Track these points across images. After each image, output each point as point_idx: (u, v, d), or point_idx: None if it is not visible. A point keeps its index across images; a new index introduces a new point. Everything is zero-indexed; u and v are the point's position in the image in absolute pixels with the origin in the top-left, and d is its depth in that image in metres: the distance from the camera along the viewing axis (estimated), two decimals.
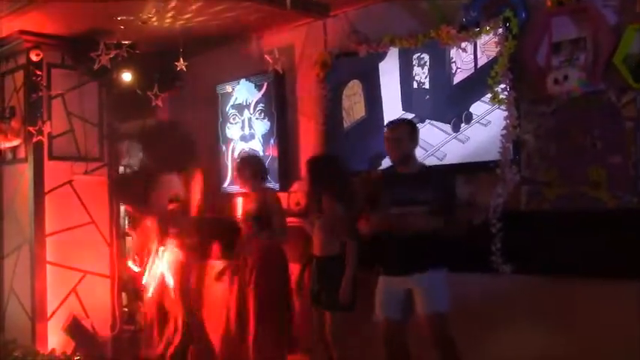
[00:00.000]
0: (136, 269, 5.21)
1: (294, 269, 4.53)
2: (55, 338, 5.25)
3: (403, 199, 3.48)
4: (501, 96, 3.65)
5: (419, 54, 4.14)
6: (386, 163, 4.12)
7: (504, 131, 3.63)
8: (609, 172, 3.30)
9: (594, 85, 3.35)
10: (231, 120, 5.43)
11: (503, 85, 3.64)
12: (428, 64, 4.12)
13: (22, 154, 5.47)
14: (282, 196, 4.96)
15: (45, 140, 5.29)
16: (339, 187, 4.04)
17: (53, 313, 5.31)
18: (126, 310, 6.19)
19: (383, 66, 4.36)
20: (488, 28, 3.72)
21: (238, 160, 4.92)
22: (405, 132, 3.60)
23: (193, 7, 4.37)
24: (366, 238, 3.69)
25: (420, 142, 3.75)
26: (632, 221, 3.22)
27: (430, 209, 3.43)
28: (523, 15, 3.61)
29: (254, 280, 4.43)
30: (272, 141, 5.08)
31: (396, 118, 4.03)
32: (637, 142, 3.21)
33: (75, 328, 5.34)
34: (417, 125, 3.78)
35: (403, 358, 3.60)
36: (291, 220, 4.60)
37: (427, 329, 3.44)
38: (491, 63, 3.71)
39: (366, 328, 3.84)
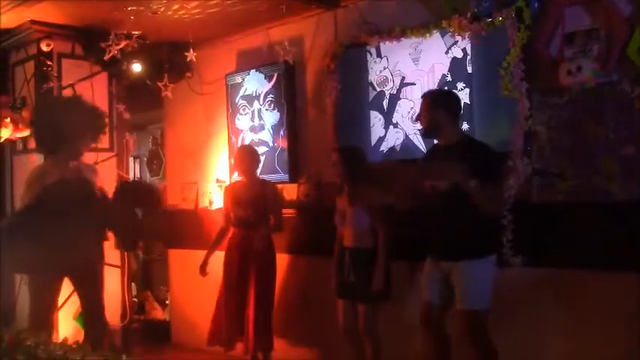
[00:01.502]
0: None
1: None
2: (65, 328, 5.28)
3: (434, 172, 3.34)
4: (513, 87, 3.63)
5: None
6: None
7: (517, 123, 3.61)
8: (622, 163, 3.27)
9: (608, 75, 3.32)
10: (240, 111, 5.42)
11: (515, 76, 3.61)
12: None
13: (32, 144, 5.46)
14: (292, 187, 4.97)
15: None
16: (373, 178, 3.96)
17: (64, 302, 5.33)
18: (135, 300, 6.24)
19: None
20: (500, 18, 3.69)
21: (240, 150, 4.95)
22: (431, 101, 3.45)
23: None
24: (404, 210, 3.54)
25: None
26: None
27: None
28: (536, 5, 3.57)
29: (256, 271, 4.54)
30: (282, 132, 5.08)
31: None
32: None
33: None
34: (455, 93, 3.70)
35: (439, 346, 3.49)
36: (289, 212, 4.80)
37: (459, 326, 3.34)
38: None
39: (403, 319, 3.87)
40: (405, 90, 4.34)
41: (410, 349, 3.88)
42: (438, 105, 3.44)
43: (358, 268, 3.94)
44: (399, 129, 4.37)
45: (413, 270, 3.95)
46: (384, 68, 4.44)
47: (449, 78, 4.06)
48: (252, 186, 4.71)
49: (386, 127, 4.45)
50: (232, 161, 5.17)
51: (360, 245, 3.96)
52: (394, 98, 4.40)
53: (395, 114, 4.40)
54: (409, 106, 4.31)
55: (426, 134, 3.61)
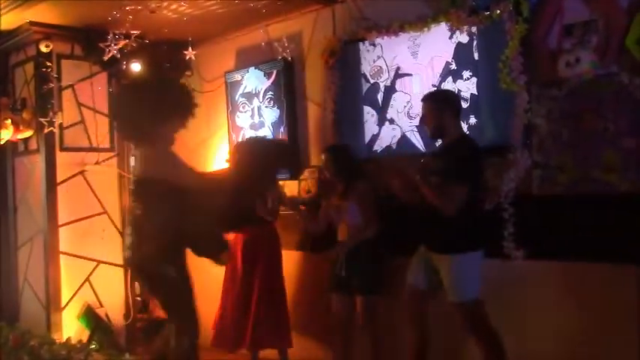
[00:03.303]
0: None
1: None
2: (69, 328, 5.30)
3: (433, 171, 3.42)
4: (512, 80, 3.63)
5: None
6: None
7: (516, 116, 3.61)
8: (622, 155, 3.26)
9: (606, 67, 3.31)
10: (240, 108, 5.42)
11: (514, 69, 3.61)
12: None
13: (33, 145, 5.50)
14: (293, 184, 4.97)
15: (56, 131, 5.31)
16: (365, 174, 4.14)
17: (68, 302, 5.36)
18: (139, 299, 6.24)
19: None
20: (498, 11, 3.68)
21: (233, 146, 4.95)
22: (436, 103, 3.52)
23: None
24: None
25: None
26: None
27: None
28: None
29: (261, 268, 4.52)
30: (282, 129, 5.08)
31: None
32: None
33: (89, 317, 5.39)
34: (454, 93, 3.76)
35: (421, 328, 3.61)
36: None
37: (457, 317, 3.44)
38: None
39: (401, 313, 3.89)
40: (403, 81, 4.33)
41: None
42: (444, 106, 3.50)
43: (350, 262, 3.99)
44: (395, 125, 4.36)
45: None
46: (378, 57, 4.43)
47: (453, 66, 3.99)
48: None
49: (380, 124, 4.45)
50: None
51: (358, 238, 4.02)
52: (389, 91, 4.39)
53: (389, 109, 4.39)
54: (405, 99, 4.30)
55: (433, 136, 3.60)
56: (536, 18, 3.56)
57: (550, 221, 3.52)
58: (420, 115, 3.63)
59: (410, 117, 4.23)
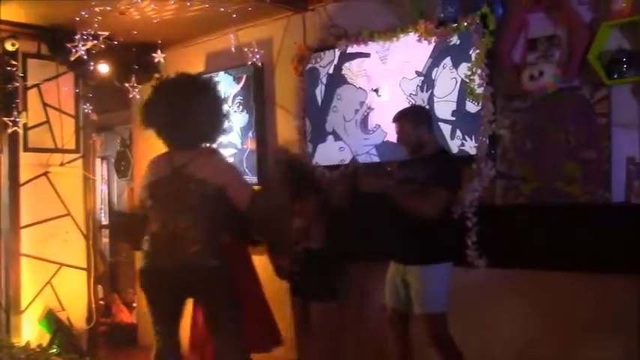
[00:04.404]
0: None
1: None
2: (29, 331, 5.21)
3: (405, 179, 3.47)
4: (478, 91, 3.69)
5: None
6: None
7: (481, 126, 3.68)
8: (583, 167, 3.35)
9: (569, 81, 3.39)
10: None
11: (479, 81, 3.68)
12: None
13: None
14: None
15: (20, 131, 5.22)
16: (315, 183, 4.17)
17: (28, 305, 5.27)
18: (102, 302, 6.17)
19: None
20: (465, 24, 3.75)
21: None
22: (408, 123, 3.55)
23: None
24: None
25: None
26: (603, 216, 3.28)
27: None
28: (500, 11, 3.64)
29: None
30: (250, 134, 5.08)
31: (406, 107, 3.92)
32: (610, 138, 3.26)
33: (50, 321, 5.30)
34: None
35: (401, 349, 3.63)
36: None
37: (421, 329, 3.46)
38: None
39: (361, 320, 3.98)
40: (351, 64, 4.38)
41: (366, 350, 4.06)
42: (421, 121, 3.56)
43: (307, 267, 4.01)
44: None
45: (371, 272, 4.02)
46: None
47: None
48: None
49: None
50: None
51: (310, 246, 4.03)
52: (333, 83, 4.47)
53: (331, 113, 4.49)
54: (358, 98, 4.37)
55: (413, 152, 3.61)
56: (502, 31, 3.63)
57: (512, 231, 3.58)
58: (397, 131, 3.61)
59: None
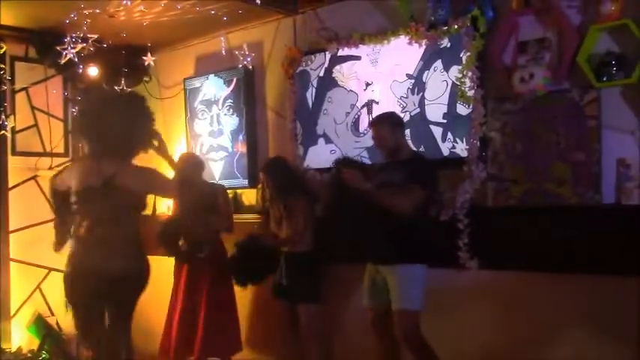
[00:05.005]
0: None
1: None
2: (18, 336, 5.17)
3: (383, 182, 3.50)
4: (468, 94, 3.71)
5: None
6: None
7: (472, 129, 3.70)
8: (573, 169, 3.37)
9: (559, 83, 3.42)
10: (199, 115, 5.39)
11: (470, 83, 3.70)
12: None
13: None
14: (251, 192, 4.96)
15: (8, 135, 5.19)
16: (301, 186, 4.25)
17: (17, 311, 5.22)
18: None
19: None
20: (456, 26, 3.76)
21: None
22: (386, 128, 3.63)
23: (162, 2, 4.33)
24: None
25: None
26: (593, 217, 3.30)
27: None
28: (490, 14, 3.66)
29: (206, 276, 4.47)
30: (241, 137, 5.07)
31: (381, 112, 4.00)
32: (599, 140, 3.29)
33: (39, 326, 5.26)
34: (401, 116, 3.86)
35: (387, 347, 3.67)
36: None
37: (395, 326, 3.50)
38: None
39: (348, 319, 4.01)
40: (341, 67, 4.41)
41: (348, 350, 4.12)
42: (398, 126, 3.67)
43: (291, 271, 4.11)
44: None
45: (351, 273, 4.03)
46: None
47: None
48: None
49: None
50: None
51: (294, 250, 4.13)
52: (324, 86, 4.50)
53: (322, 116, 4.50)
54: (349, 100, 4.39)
55: (390, 156, 3.66)
56: (493, 34, 3.65)
57: (504, 233, 3.60)
58: (375, 136, 3.69)
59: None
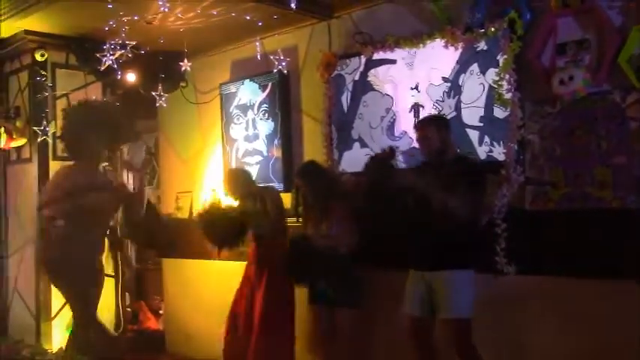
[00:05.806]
0: None
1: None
2: (59, 337, 5.26)
3: (434, 182, 3.43)
4: (506, 97, 3.67)
5: None
6: None
7: (509, 132, 3.66)
8: (614, 172, 3.31)
9: (599, 85, 3.36)
10: (235, 120, 5.44)
11: (507, 86, 3.66)
12: None
13: (26, 154, 5.49)
14: (286, 196, 4.97)
15: (50, 140, 5.30)
16: (338, 189, 4.19)
17: (58, 312, 5.32)
18: (129, 309, 6.22)
19: None
20: (493, 29, 3.73)
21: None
22: (433, 129, 3.57)
23: (198, 8, 4.38)
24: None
25: None
26: (636, 221, 3.23)
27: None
28: (528, 16, 3.62)
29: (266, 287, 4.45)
30: (276, 141, 5.10)
31: (426, 115, 3.98)
32: None
33: None
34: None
35: (425, 356, 3.60)
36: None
37: (445, 334, 3.44)
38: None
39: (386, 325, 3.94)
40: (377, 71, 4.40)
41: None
42: (445, 128, 3.60)
43: (330, 274, 4.02)
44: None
45: (394, 279, 3.98)
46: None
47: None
48: (251, 202, 4.61)
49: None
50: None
51: (335, 252, 4.03)
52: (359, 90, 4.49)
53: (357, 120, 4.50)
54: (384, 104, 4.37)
55: (437, 156, 3.59)
56: (530, 36, 3.61)
57: (542, 237, 3.55)
58: (422, 137, 3.61)
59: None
